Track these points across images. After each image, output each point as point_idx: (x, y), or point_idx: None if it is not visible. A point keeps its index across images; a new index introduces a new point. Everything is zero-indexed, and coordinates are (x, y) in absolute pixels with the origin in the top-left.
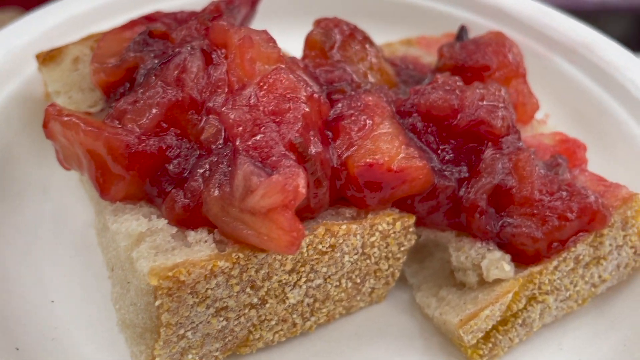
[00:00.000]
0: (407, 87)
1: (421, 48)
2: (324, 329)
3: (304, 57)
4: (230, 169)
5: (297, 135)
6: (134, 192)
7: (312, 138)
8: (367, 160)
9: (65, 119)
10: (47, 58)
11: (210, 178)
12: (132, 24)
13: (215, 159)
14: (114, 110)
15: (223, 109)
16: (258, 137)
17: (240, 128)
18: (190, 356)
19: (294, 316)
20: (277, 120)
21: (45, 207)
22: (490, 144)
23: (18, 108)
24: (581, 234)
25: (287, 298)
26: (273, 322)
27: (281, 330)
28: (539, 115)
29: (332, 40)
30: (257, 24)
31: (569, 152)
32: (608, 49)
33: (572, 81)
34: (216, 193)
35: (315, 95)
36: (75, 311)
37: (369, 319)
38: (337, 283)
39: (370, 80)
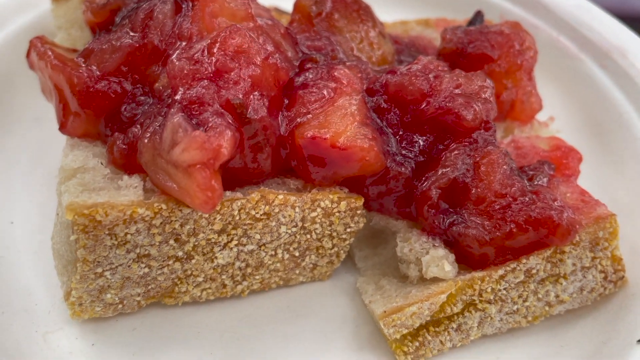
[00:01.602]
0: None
1: (438, 30)
2: (258, 296)
3: (292, 21)
4: (165, 118)
5: (237, 96)
6: (91, 131)
7: (257, 101)
8: (312, 132)
9: (41, 49)
10: None
11: (149, 126)
12: None
13: (157, 109)
14: (84, 49)
15: (170, 58)
16: (195, 92)
17: (180, 80)
18: (109, 295)
19: (224, 277)
20: (220, 78)
21: (32, 136)
22: (458, 136)
23: (27, 39)
24: (537, 246)
25: (216, 257)
26: (200, 279)
27: (209, 288)
28: (543, 117)
29: (321, 8)
30: None
31: (561, 159)
32: None
33: (598, 86)
34: (149, 141)
35: (271, 60)
36: (29, 235)
37: (307, 295)
38: (273, 252)
39: (356, 53)
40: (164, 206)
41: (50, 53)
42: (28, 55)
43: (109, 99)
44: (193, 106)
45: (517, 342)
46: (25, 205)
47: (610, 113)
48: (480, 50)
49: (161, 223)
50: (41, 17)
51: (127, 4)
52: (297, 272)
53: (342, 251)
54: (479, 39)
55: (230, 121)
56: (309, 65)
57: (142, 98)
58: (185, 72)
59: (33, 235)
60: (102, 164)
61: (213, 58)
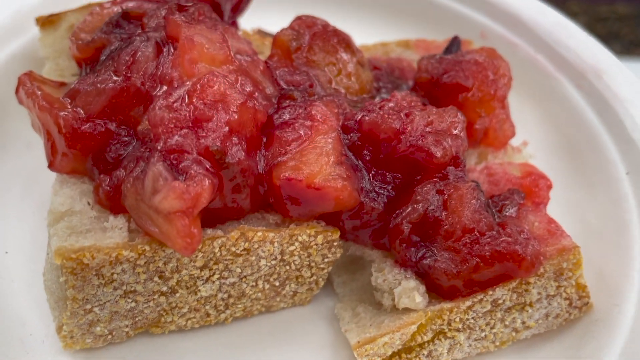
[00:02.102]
0: (380, 96)
1: (418, 52)
2: (241, 322)
3: (271, 55)
4: (147, 165)
5: (215, 143)
6: (78, 168)
7: (235, 145)
8: (289, 174)
9: (28, 88)
10: (46, 22)
11: (131, 170)
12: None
13: (141, 153)
14: (70, 89)
15: (151, 108)
16: (175, 140)
17: (161, 128)
18: (98, 328)
19: (207, 307)
20: (199, 125)
21: (24, 162)
22: (428, 172)
23: (19, 66)
24: (503, 278)
25: (199, 290)
26: (185, 310)
27: (194, 318)
28: (517, 140)
29: (300, 42)
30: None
31: (532, 186)
32: (619, 80)
33: (573, 107)
34: (132, 186)
35: (249, 103)
36: (22, 265)
37: (287, 321)
38: (254, 284)
39: (334, 86)
40: (147, 247)
41: (38, 92)
42: (17, 91)
43: (94, 140)
44: (173, 154)
45: None
46: (18, 234)
47: (583, 134)
48: (455, 80)
49: (145, 262)
50: (32, 42)
51: (111, 42)
52: (278, 299)
53: (320, 279)
54: (454, 68)
55: (209, 168)
56: (287, 103)
57: (127, 139)
58: (165, 121)
59: (26, 265)
60: (89, 204)
61: (192, 106)
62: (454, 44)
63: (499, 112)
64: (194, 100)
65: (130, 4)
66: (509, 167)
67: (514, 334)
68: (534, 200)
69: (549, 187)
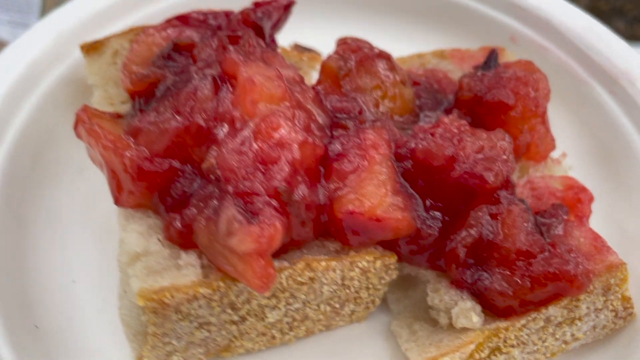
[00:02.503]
0: (424, 113)
1: (453, 62)
2: (303, 341)
3: (319, 81)
4: (218, 205)
5: (282, 183)
6: (144, 203)
7: (299, 182)
8: (350, 207)
9: (88, 126)
10: (91, 49)
11: (202, 211)
12: (166, 25)
13: (210, 192)
14: (131, 127)
15: (220, 149)
16: (245, 184)
17: (230, 172)
18: (175, 357)
19: (273, 331)
20: (266, 168)
21: (79, 188)
22: (481, 197)
23: (65, 90)
24: (556, 297)
25: (266, 317)
26: (253, 335)
27: (260, 341)
28: (556, 152)
29: (347, 67)
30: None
31: (574, 200)
32: None
33: (607, 113)
34: (205, 226)
35: (309, 140)
36: (91, 293)
37: (346, 338)
38: (316, 307)
39: (381, 109)
40: (221, 284)
41: (100, 132)
42: (75, 127)
43: (160, 178)
44: (242, 197)
45: None
46: (83, 262)
47: (619, 141)
48: (498, 99)
49: (219, 297)
50: (75, 65)
51: (165, 77)
52: (338, 318)
53: (377, 298)
54: (495, 86)
55: (278, 208)
56: (339, 132)
57: (190, 175)
58: (234, 164)
59: (95, 293)
60: (159, 240)
61: (258, 148)
62: (492, 58)
63: (540, 127)
64: (260, 143)
65: (173, 31)
66: (551, 180)
67: (563, 345)
68: (576, 213)
69: (591, 200)
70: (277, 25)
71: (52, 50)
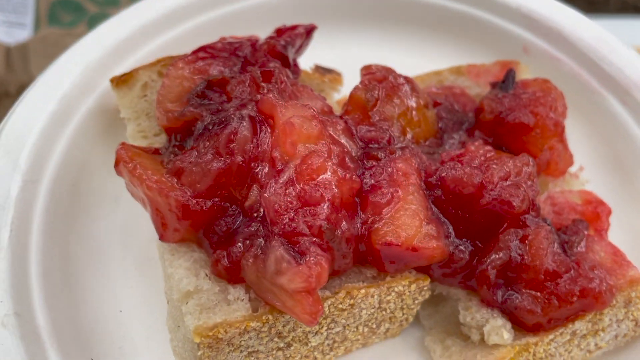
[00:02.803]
0: (446, 135)
1: (470, 78)
2: (342, 358)
3: (347, 111)
4: (265, 244)
5: (325, 222)
6: (188, 238)
7: (340, 219)
8: (387, 239)
9: (131, 166)
10: (120, 82)
11: (249, 248)
12: (194, 59)
13: (254, 230)
14: (173, 167)
15: (264, 193)
16: (291, 225)
17: (276, 214)
18: None
19: (315, 353)
20: (310, 207)
21: (116, 217)
22: (509, 221)
23: (95, 121)
24: (581, 312)
25: (310, 342)
26: (297, 358)
27: None
28: (573, 167)
29: (375, 98)
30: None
31: (593, 214)
32: None
33: (619, 123)
34: (252, 264)
35: (347, 176)
36: (138, 322)
37: (383, 355)
38: (355, 329)
39: (408, 137)
40: (270, 316)
41: (143, 173)
42: (117, 165)
43: (204, 216)
44: (289, 237)
45: None
46: (126, 291)
47: (632, 151)
48: (519, 120)
49: (268, 328)
50: (103, 97)
51: (202, 116)
52: (374, 337)
53: (410, 316)
54: (515, 108)
55: (323, 246)
56: (371, 164)
57: (233, 212)
58: (279, 206)
59: (141, 322)
60: (206, 275)
61: (301, 190)
62: (510, 78)
63: (559, 145)
64: (302, 184)
65: (202, 64)
66: (570, 195)
67: (587, 354)
68: (596, 227)
69: (609, 213)
70: (299, 50)
71: (80, 83)
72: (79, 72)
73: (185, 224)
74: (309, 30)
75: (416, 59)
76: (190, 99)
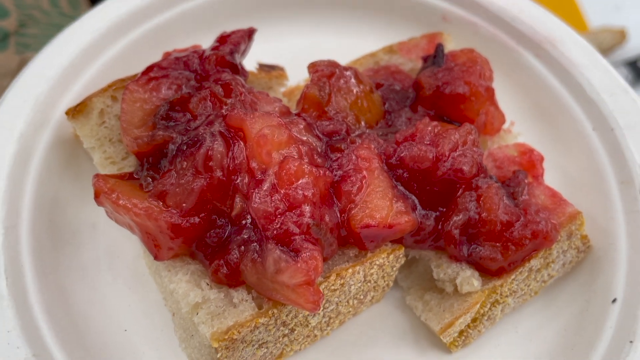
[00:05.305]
0: (393, 114)
1: (402, 55)
2: (337, 330)
3: (303, 109)
4: (260, 248)
5: (311, 220)
6: (182, 252)
7: (322, 213)
8: (365, 221)
9: (113, 197)
10: (76, 112)
11: (245, 254)
12: (147, 80)
13: (247, 237)
14: (155, 190)
15: (252, 204)
16: (282, 228)
17: (266, 220)
18: None
19: (315, 331)
20: (294, 209)
21: (98, 243)
22: (463, 185)
23: (55, 155)
24: (534, 251)
25: (309, 323)
26: (300, 339)
27: (305, 342)
28: (505, 124)
29: (327, 93)
30: None
31: (529, 163)
32: (572, 45)
33: (537, 76)
34: (251, 268)
35: (320, 173)
36: (145, 337)
37: (370, 319)
38: (346, 303)
39: (362, 124)
40: (275, 310)
41: (127, 204)
42: (97, 197)
43: (195, 231)
44: (281, 239)
45: (525, 313)
46: (126, 311)
47: (550, 100)
48: (455, 92)
49: (274, 320)
50: (57, 127)
51: (172, 138)
52: (362, 306)
53: (390, 282)
54: (450, 81)
55: (313, 241)
56: (336, 156)
57: (221, 223)
58: (267, 212)
59: (148, 336)
60: (207, 284)
61: (284, 194)
62: (439, 53)
63: (491, 107)
64: (284, 189)
65: (155, 85)
66: (507, 149)
67: (543, 284)
68: (533, 174)
69: (541, 160)
70: (243, 54)
71: (34, 119)
72: (29, 108)
73: (179, 241)
74: (250, 33)
75: (350, 39)
76: (156, 122)
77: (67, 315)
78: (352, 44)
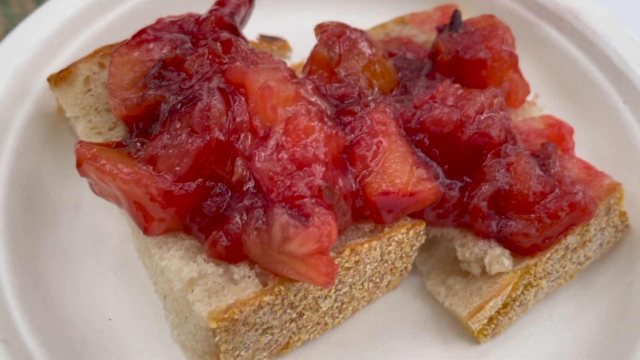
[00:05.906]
0: (408, 83)
1: (415, 26)
2: (350, 320)
3: (311, 71)
4: (265, 214)
5: (323, 181)
6: (174, 227)
7: (335, 176)
8: (383, 188)
9: (99, 164)
10: (59, 79)
11: (248, 223)
12: (138, 42)
13: (249, 203)
14: (145, 154)
15: (255, 163)
16: (290, 189)
17: (271, 180)
18: None
19: (326, 318)
20: (304, 168)
21: (81, 224)
22: (490, 152)
23: (35, 128)
24: (571, 226)
25: (320, 307)
26: (309, 327)
27: (315, 330)
28: (529, 96)
29: (337, 53)
30: None
31: (558, 136)
32: (595, 16)
33: (560, 49)
34: (255, 237)
35: (333, 132)
36: (132, 326)
37: (386, 307)
38: (360, 286)
39: (376, 89)
40: (282, 287)
41: (112, 168)
42: (79, 165)
43: (190, 199)
44: (290, 201)
45: (560, 299)
46: (112, 298)
47: (576, 73)
48: (476, 56)
49: (281, 300)
50: (39, 100)
51: (165, 98)
52: (378, 292)
53: (409, 264)
54: (471, 45)
55: (325, 205)
56: (347, 119)
57: (220, 190)
58: (273, 172)
59: (136, 325)
60: (204, 260)
61: (292, 152)
62: (457, 18)
63: (515, 75)
64: (292, 146)
65: (150, 46)
66: (532, 122)
67: (579, 266)
68: (562, 147)
69: (571, 132)
70: (243, 21)
71: (13, 89)
72: (9, 77)
73: (171, 211)
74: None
75: (356, 16)
76: (147, 83)
77: (43, 301)
78: (359, 21)
